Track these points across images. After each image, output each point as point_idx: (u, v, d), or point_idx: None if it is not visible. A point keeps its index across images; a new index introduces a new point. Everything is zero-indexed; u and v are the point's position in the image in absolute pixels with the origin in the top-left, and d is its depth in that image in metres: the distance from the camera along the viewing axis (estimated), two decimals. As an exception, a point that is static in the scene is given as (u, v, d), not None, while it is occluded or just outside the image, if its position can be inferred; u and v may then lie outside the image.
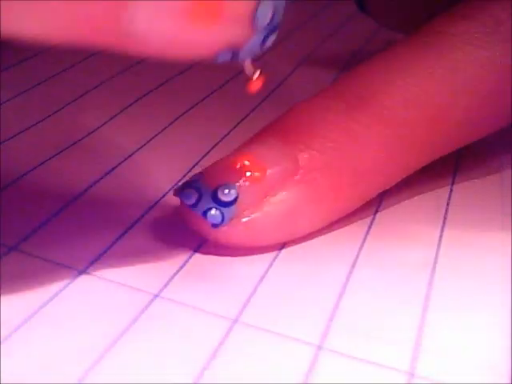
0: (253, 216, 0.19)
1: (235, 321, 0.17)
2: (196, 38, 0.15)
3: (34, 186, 0.22)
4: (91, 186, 0.22)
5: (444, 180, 0.24)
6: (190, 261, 0.19)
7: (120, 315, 0.17)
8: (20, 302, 0.17)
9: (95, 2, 0.14)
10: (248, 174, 0.19)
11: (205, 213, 0.18)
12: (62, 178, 0.22)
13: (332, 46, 0.35)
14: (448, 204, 0.22)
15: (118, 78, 0.30)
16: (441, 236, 0.21)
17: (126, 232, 0.20)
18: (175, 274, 0.18)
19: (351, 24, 0.38)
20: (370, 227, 0.21)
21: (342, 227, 0.21)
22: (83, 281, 0.18)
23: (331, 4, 0.41)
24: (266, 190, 0.19)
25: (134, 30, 0.14)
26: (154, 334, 0.16)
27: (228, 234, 0.19)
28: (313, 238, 0.20)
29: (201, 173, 0.19)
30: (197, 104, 0.28)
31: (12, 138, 0.24)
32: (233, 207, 0.18)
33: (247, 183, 0.19)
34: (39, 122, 0.26)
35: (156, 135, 0.25)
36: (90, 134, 0.25)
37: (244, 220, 0.19)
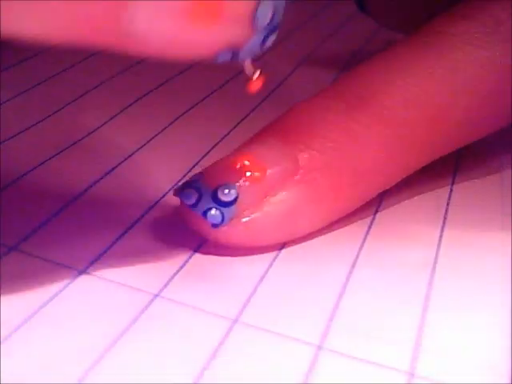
0: (253, 216, 0.19)
1: (235, 321, 0.17)
2: (196, 38, 0.15)
3: (34, 186, 0.22)
4: (91, 186, 0.22)
5: (444, 180, 0.23)
6: (190, 261, 0.19)
7: (120, 315, 0.17)
8: (20, 302, 0.17)
9: (95, 2, 0.14)
10: (248, 173, 0.19)
11: (205, 213, 0.18)
12: (62, 178, 0.22)
13: (332, 46, 0.35)
14: (448, 204, 0.22)
15: (118, 78, 0.30)
16: (441, 236, 0.21)
17: (126, 232, 0.20)
18: (175, 274, 0.18)
19: (351, 24, 0.38)
20: (370, 227, 0.21)
21: (342, 227, 0.21)
22: (83, 281, 0.18)
23: (331, 4, 0.41)
24: (266, 190, 0.19)
25: (134, 30, 0.14)
26: (154, 333, 0.16)
27: (228, 234, 0.19)
28: (313, 237, 0.20)
29: (201, 173, 0.19)
30: (197, 104, 0.28)
31: (12, 137, 0.24)
32: (233, 207, 0.18)
33: (247, 183, 0.19)
34: (39, 122, 0.26)
35: (156, 135, 0.25)
36: (90, 133, 0.25)
37: (244, 220, 0.19)
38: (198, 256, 0.19)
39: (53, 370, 0.15)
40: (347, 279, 0.19)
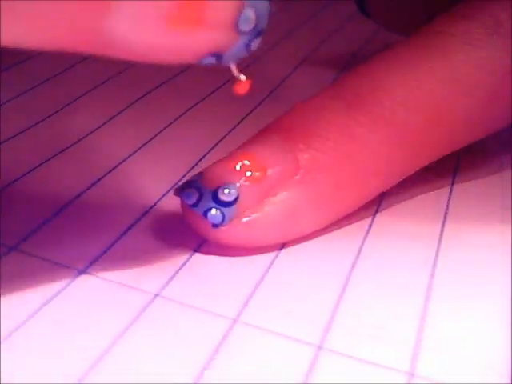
0: (253, 216, 0.19)
1: (235, 321, 0.17)
2: (179, 43, 0.15)
3: (34, 186, 0.22)
4: (91, 186, 0.22)
5: (444, 180, 0.24)
6: (190, 261, 0.19)
7: (120, 315, 0.17)
8: (20, 302, 0.17)
9: (77, 8, 0.13)
10: (248, 173, 0.19)
11: (205, 213, 0.18)
12: (63, 178, 0.22)
13: (332, 46, 0.35)
14: (448, 204, 0.22)
15: (118, 78, 0.30)
16: (441, 236, 0.21)
17: (126, 232, 0.20)
18: (175, 274, 0.18)
19: (351, 24, 0.38)
20: (370, 227, 0.21)
21: (342, 227, 0.21)
22: (83, 281, 0.18)
23: (331, 4, 0.41)
24: (267, 190, 0.19)
25: (116, 37, 0.14)
26: (153, 334, 0.16)
27: (228, 233, 0.19)
28: (313, 237, 0.20)
29: (201, 172, 0.19)
30: (197, 104, 0.28)
31: (12, 137, 0.24)
32: (233, 207, 0.18)
33: (247, 183, 0.19)
34: (39, 122, 0.26)
35: (156, 135, 0.25)
36: (90, 133, 0.25)
37: (244, 220, 0.19)
38: (197, 256, 0.19)
39: (53, 369, 0.15)
40: (347, 279, 0.19)
